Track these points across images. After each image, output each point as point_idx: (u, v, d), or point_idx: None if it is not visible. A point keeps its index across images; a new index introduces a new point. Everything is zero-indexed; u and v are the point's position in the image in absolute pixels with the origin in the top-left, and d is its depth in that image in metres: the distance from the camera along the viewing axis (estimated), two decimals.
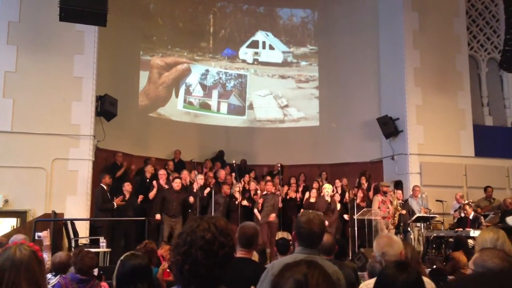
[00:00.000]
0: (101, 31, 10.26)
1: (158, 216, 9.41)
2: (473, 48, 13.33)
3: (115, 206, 9.25)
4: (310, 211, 3.19)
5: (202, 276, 1.64)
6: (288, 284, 1.40)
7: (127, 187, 9.54)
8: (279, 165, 11.60)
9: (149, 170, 10.72)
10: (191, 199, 9.61)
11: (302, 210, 10.83)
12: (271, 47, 14.81)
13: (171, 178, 10.04)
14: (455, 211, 10.74)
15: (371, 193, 11.25)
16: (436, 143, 11.94)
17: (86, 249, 4.21)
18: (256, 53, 14.68)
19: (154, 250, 4.25)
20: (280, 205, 10.54)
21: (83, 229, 9.37)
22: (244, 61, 14.62)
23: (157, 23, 13.62)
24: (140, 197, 9.67)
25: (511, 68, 10.47)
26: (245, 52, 14.63)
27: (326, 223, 9.78)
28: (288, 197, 11.37)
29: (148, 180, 10.43)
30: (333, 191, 10.90)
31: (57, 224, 8.69)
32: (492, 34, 13.54)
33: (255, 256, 4.77)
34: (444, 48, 12.47)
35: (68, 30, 9.77)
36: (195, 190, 9.85)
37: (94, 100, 10.23)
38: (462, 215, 10.13)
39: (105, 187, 9.45)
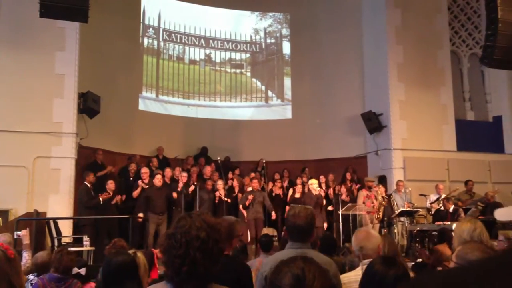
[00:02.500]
0: (83, 28, 10.13)
1: (140, 215, 9.37)
2: (455, 43, 13.47)
3: (101, 201, 9.18)
4: (299, 205, 3.21)
5: (200, 275, 1.66)
6: (287, 278, 1.44)
7: (111, 185, 9.46)
8: (263, 161, 11.59)
9: (132, 168, 10.67)
10: (174, 194, 9.57)
11: (287, 206, 10.87)
12: (254, 45, 14.82)
13: (153, 175, 10.00)
14: (431, 203, 10.79)
15: (355, 188, 11.33)
16: (419, 138, 12.06)
17: (68, 250, 4.15)
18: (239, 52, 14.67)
19: (124, 248, 4.19)
20: (268, 204, 10.55)
21: (66, 228, 9.27)
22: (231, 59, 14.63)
23: (140, 19, 13.51)
24: (118, 197, 9.54)
25: (492, 63, 10.58)
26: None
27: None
28: (273, 194, 11.38)
29: (132, 179, 10.38)
30: (319, 185, 10.92)
31: (39, 223, 8.56)
32: (473, 30, 13.69)
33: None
34: (427, 44, 12.58)
35: (49, 26, 9.63)
36: (179, 188, 9.81)
37: (76, 97, 10.11)
38: (442, 207, 10.24)
39: (88, 185, 9.37)
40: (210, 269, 1.67)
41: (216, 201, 10.15)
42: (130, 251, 3.14)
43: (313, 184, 10.35)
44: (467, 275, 0.58)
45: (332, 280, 1.53)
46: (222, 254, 1.74)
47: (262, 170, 12.33)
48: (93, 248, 8.13)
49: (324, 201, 10.76)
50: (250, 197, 10.07)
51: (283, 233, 10.56)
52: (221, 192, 10.21)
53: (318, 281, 1.44)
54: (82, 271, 3.92)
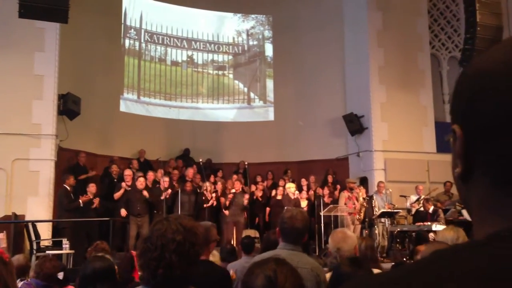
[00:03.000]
0: (63, 28, 10.01)
1: (123, 212, 9.24)
2: (435, 46, 13.65)
3: (82, 204, 9.07)
4: (294, 208, 3.23)
5: (176, 278, 1.65)
6: (259, 280, 1.46)
7: (92, 188, 9.35)
8: (246, 163, 11.61)
9: (115, 170, 10.56)
10: (145, 193, 9.38)
11: (267, 208, 10.96)
12: (236, 47, 14.83)
13: (136, 177, 9.91)
14: (412, 203, 10.91)
15: (336, 191, 11.40)
16: (399, 139, 12.18)
17: (51, 257, 4.10)
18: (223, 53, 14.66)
19: (106, 250, 4.17)
20: (246, 203, 10.57)
21: (45, 231, 9.14)
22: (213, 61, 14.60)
23: (121, 20, 13.41)
24: (96, 200, 9.38)
25: None
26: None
27: None
28: (254, 196, 11.39)
29: (115, 180, 10.29)
30: (297, 189, 10.97)
31: (18, 226, 8.44)
32: (453, 33, 13.89)
33: (215, 256, 4.73)
34: (407, 46, 12.72)
35: (28, 27, 9.48)
36: (163, 197, 9.72)
37: (56, 99, 9.99)
38: (422, 208, 10.37)
39: (68, 188, 9.24)
40: (186, 272, 1.67)
41: (208, 205, 10.13)
42: (99, 255, 3.12)
43: (290, 188, 10.45)
44: (404, 276, 0.60)
45: (303, 281, 1.54)
46: (199, 257, 1.73)
47: (244, 172, 12.33)
48: (72, 251, 8.02)
49: (305, 203, 10.83)
50: (230, 196, 10.11)
51: (265, 234, 10.59)
52: (209, 195, 10.22)
53: (290, 282, 1.46)
54: (60, 275, 3.87)
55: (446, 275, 0.56)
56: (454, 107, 0.68)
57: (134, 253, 5.92)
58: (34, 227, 8.55)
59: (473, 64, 0.67)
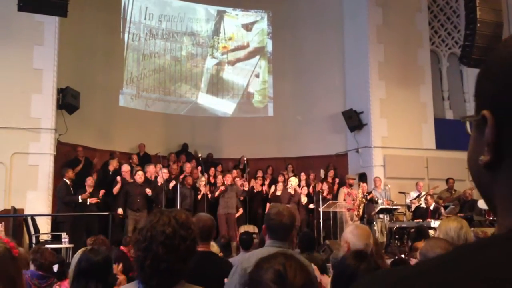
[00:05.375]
0: (62, 22, 9.98)
1: (120, 211, 9.25)
2: (435, 43, 13.64)
3: (80, 200, 9.07)
4: (280, 203, 3.21)
5: (163, 271, 1.63)
6: (268, 274, 1.45)
7: (89, 181, 9.34)
8: (245, 158, 11.61)
9: (113, 164, 10.53)
10: (148, 191, 9.39)
11: (268, 203, 10.93)
12: (236, 42, 14.80)
13: (134, 172, 9.89)
14: (412, 200, 10.93)
15: (335, 187, 11.40)
16: (399, 136, 12.18)
17: (45, 246, 4.10)
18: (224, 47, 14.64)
19: (106, 243, 4.17)
20: (241, 197, 10.57)
21: (44, 224, 9.15)
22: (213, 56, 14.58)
23: (120, 14, 13.37)
24: (102, 192, 9.40)
25: (471, 63, 10.74)
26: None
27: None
28: (255, 190, 11.39)
29: (111, 174, 10.27)
30: (299, 184, 10.99)
31: (17, 220, 8.45)
32: (452, 30, 13.88)
33: (213, 247, 4.72)
34: (407, 42, 12.71)
35: (27, 20, 9.46)
36: (159, 184, 9.75)
37: (55, 93, 9.96)
38: (423, 205, 10.38)
39: (68, 181, 9.24)
40: (175, 265, 1.64)
41: (199, 198, 10.14)
42: (92, 247, 3.12)
43: (290, 181, 10.43)
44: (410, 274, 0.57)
45: (312, 276, 1.55)
46: (192, 252, 1.70)
47: (244, 167, 12.33)
48: (72, 245, 8.02)
49: (306, 199, 10.84)
50: (222, 187, 10.13)
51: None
52: (202, 189, 10.21)
53: (300, 276, 1.45)
54: (54, 267, 3.86)
55: (471, 273, 0.54)
56: (482, 90, 0.64)
57: (124, 249, 5.84)
58: (33, 221, 8.56)
59: (509, 44, 0.61)
